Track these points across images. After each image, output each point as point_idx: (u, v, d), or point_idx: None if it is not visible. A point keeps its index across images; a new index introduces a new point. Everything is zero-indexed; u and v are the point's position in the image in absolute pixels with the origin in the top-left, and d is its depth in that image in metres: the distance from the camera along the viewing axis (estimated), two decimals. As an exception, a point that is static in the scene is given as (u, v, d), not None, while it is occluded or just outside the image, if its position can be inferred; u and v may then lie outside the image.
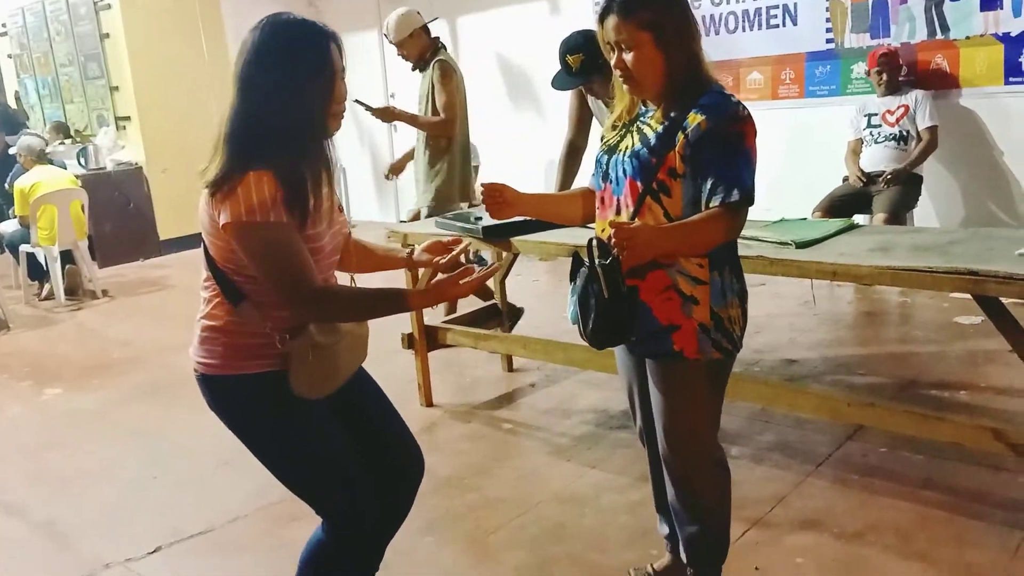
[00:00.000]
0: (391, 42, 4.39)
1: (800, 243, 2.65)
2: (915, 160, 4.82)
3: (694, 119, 1.84)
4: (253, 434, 1.88)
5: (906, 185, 4.79)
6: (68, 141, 8.40)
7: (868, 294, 4.99)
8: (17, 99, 9.36)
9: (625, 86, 1.92)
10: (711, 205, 1.83)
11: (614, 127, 2.02)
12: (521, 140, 6.92)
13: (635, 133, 1.95)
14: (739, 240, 2.75)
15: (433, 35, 4.47)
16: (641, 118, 1.97)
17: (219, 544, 2.81)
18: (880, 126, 4.96)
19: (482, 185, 2.11)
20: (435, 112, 4.30)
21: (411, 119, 4.39)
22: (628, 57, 1.86)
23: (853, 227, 2.86)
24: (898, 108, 4.92)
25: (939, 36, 4.90)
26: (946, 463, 2.88)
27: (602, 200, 2.03)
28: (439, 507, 2.86)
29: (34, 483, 3.43)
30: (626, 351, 2.13)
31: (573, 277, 1.99)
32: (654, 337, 1.95)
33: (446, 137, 4.35)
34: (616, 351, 2.19)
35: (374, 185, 8.71)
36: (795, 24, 5.41)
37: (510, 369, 4.15)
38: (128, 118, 8.08)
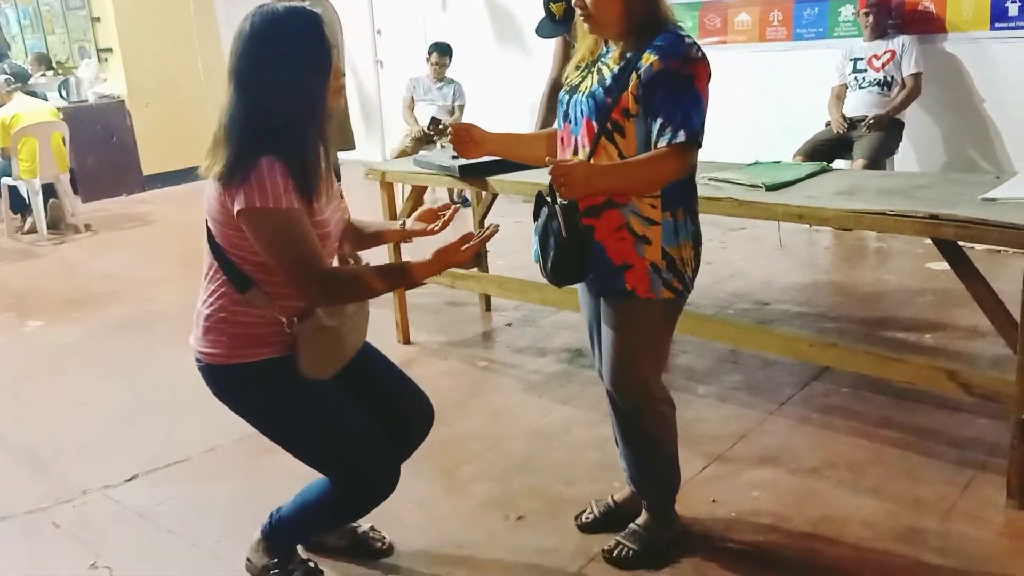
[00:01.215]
0: None
1: (770, 186, 2.67)
2: (897, 106, 4.83)
3: (647, 59, 1.85)
4: (264, 419, 1.94)
5: (887, 131, 4.81)
6: (50, 73, 8.26)
7: (845, 239, 5.03)
8: (-3, 29, 9.18)
9: (586, 25, 1.93)
10: (659, 145, 1.85)
11: (577, 67, 2.04)
12: (507, 81, 6.86)
13: (595, 74, 1.97)
14: (710, 182, 2.81)
15: None
16: (602, 59, 1.98)
17: (195, 472, 2.88)
18: (865, 71, 4.94)
19: (450, 126, 2.15)
20: None
21: None
22: None
23: (825, 171, 2.89)
24: (884, 53, 4.90)
25: (927, -21, 4.86)
26: (906, 403, 2.95)
27: (562, 140, 2.06)
28: (412, 440, 2.92)
29: (14, 412, 3.49)
30: (586, 290, 2.17)
31: (536, 216, 2.02)
32: (608, 276, 1.99)
33: None
34: (579, 290, 2.23)
35: (360, 124, 8.63)
36: (784, -36, 5.35)
37: (488, 309, 4.20)
38: (110, 50, 7.95)
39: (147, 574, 2.35)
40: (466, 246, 1.82)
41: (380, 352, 2.14)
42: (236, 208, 1.70)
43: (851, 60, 5.00)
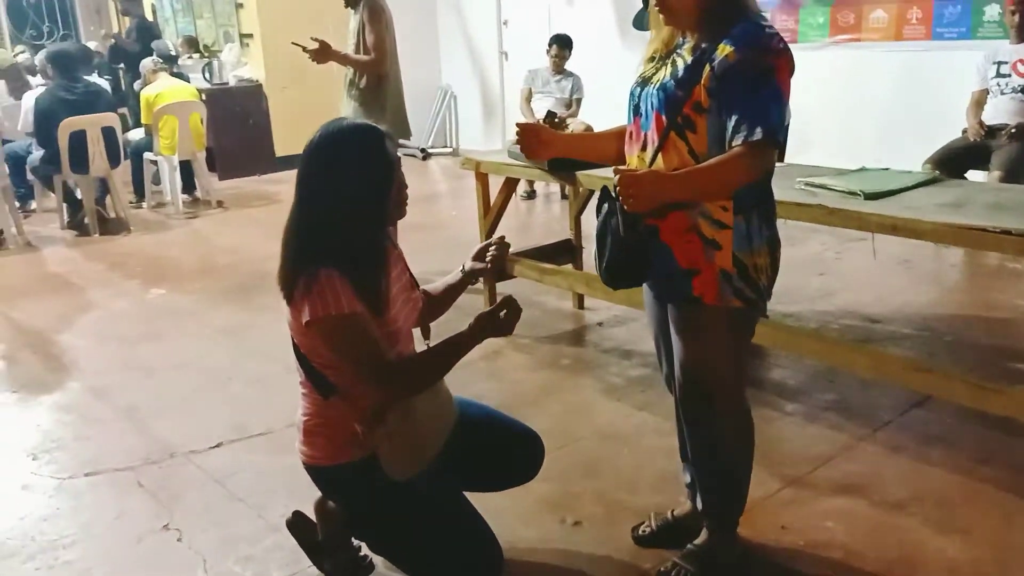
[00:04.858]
0: None
1: (870, 194, 2.50)
2: (1045, 115, 4.42)
3: (722, 50, 1.74)
4: (368, 515, 2.00)
5: (1031, 142, 4.41)
6: (196, 55, 8.76)
7: (976, 257, 4.66)
8: (153, 12, 9.79)
9: (661, 15, 1.83)
10: (734, 143, 1.73)
11: (651, 59, 1.94)
12: (627, 76, 6.73)
13: (669, 65, 1.87)
14: (806, 187, 2.65)
15: None
16: (677, 50, 1.88)
17: (275, 445, 2.97)
18: (1010, 76, 4.55)
19: (517, 125, 2.11)
20: (365, 51, 4.30)
21: (343, 58, 4.38)
22: None
23: (935, 180, 2.68)
24: (1034, 57, 4.50)
25: (1090, -24, 4.42)
26: (1015, 440, 2.70)
27: (630, 134, 1.97)
28: (481, 432, 2.91)
29: (123, 371, 3.72)
30: (651, 295, 2.08)
31: (600, 212, 1.95)
32: (674, 280, 1.89)
33: (376, 75, 4.33)
34: (644, 295, 2.14)
35: (481, 114, 8.73)
36: (928, -41, 5.00)
37: (580, 306, 4.14)
38: (251, 35, 8.34)
39: (212, 539, 2.44)
40: (503, 312, 1.83)
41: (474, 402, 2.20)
42: (305, 319, 1.77)
43: (994, 64, 4.61)
